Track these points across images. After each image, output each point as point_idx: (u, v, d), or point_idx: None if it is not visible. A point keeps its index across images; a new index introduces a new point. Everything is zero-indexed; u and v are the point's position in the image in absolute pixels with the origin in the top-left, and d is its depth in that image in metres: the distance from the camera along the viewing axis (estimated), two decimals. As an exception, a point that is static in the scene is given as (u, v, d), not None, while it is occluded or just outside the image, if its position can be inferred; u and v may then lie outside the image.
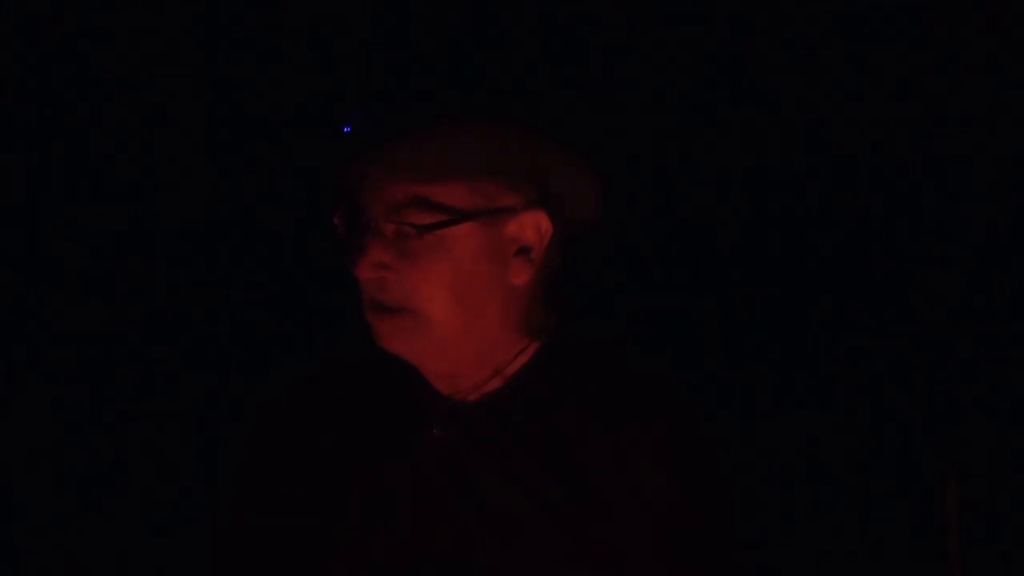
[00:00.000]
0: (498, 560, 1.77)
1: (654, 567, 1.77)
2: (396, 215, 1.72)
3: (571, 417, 1.81)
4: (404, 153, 1.71)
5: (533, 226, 1.78)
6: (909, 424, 2.89)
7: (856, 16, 2.92)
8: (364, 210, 1.73)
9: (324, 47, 2.86)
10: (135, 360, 2.86)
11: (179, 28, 2.86)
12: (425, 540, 1.78)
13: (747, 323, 2.96)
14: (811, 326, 2.96)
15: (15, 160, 2.84)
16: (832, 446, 2.90)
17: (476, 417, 1.80)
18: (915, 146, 2.94)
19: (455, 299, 1.74)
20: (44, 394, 2.82)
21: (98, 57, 2.85)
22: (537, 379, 1.83)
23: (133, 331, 2.87)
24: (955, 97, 2.90)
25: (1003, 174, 2.91)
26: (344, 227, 1.76)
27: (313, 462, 1.83)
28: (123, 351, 2.86)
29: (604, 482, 1.79)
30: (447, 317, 1.74)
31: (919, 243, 2.94)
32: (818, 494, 2.88)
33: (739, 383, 2.92)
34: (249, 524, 1.85)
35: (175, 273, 2.88)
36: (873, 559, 2.82)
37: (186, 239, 2.89)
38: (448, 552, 1.78)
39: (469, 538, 1.77)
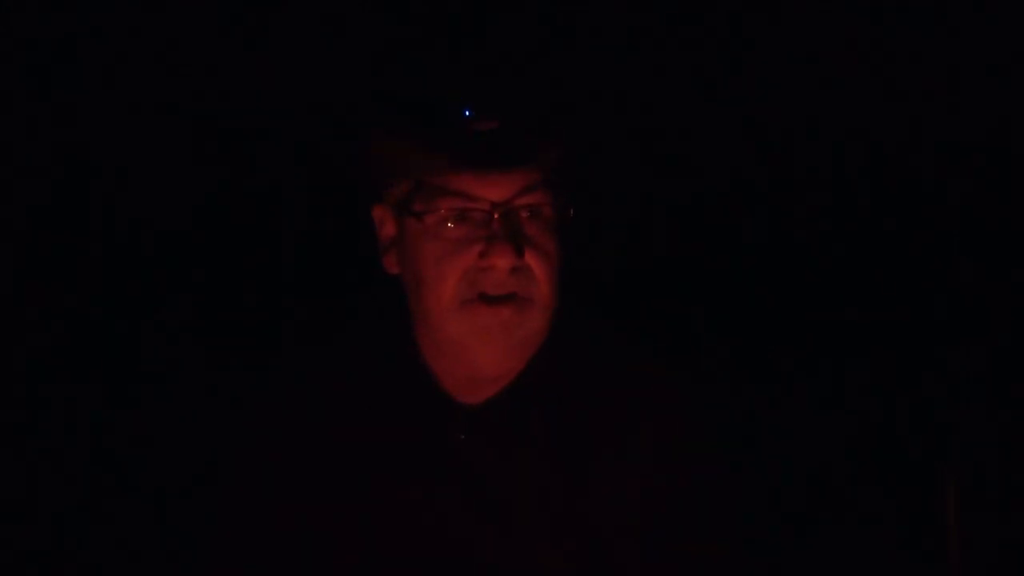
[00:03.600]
0: (509, 558, 1.78)
1: (655, 560, 1.78)
2: (523, 201, 1.74)
3: (574, 416, 1.82)
4: (529, 142, 1.74)
5: (570, 216, 1.81)
6: (909, 424, 2.89)
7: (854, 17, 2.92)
8: (483, 200, 1.73)
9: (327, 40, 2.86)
10: (134, 359, 2.86)
11: (179, 26, 2.86)
12: (441, 541, 1.78)
13: (747, 322, 2.96)
14: (811, 326, 2.96)
15: (13, 161, 2.84)
16: (832, 446, 2.90)
17: (489, 420, 1.81)
18: (912, 146, 2.94)
19: (558, 285, 1.76)
20: (42, 393, 2.82)
21: (96, 56, 2.84)
22: (540, 379, 1.83)
23: (131, 330, 2.87)
24: (943, 98, 2.91)
25: (1003, 175, 2.91)
26: (445, 219, 1.75)
27: (323, 464, 1.82)
28: (121, 351, 2.86)
29: (608, 479, 1.80)
30: (553, 301, 1.76)
31: (918, 244, 2.95)
32: (818, 493, 2.88)
33: (738, 383, 2.92)
34: (257, 523, 1.84)
35: (176, 271, 2.88)
36: (873, 559, 2.82)
37: (187, 236, 2.89)
38: (461, 553, 1.78)
39: (483, 538, 1.78)
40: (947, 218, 2.93)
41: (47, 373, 2.82)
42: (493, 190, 1.73)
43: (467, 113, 1.75)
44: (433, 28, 2.81)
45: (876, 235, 2.95)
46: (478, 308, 1.73)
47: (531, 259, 1.74)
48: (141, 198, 2.89)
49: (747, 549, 1.83)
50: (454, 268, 1.74)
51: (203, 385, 2.80)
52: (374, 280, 1.94)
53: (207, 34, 2.85)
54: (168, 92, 2.86)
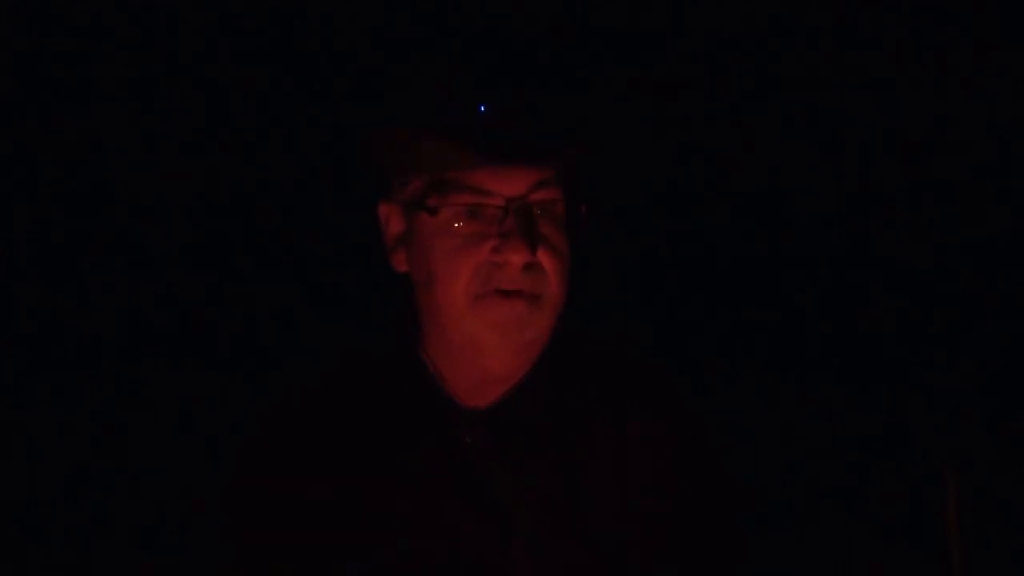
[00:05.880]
0: (515, 561, 1.78)
1: (659, 564, 1.79)
2: (536, 197, 1.73)
3: (578, 421, 1.82)
4: (543, 138, 1.74)
5: (583, 214, 1.81)
6: (909, 424, 2.89)
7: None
8: (497, 195, 1.73)
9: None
10: (135, 360, 2.85)
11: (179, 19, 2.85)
12: (447, 544, 1.78)
13: (746, 324, 2.97)
14: (810, 327, 2.96)
15: (12, 159, 2.83)
16: (831, 446, 2.91)
17: (495, 423, 1.81)
18: (914, 146, 2.95)
19: (567, 282, 1.76)
20: (43, 395, 2.81)
21: (95, 51, 2.84)
22: (546, 382, 1.83)
23: (133, 330, 2.86)
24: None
25: (1001, 183, 2.92)
26: (459, 214, 1.74)
27: (326, 466, 1.82)
28: (122, 350, 2.85)
29: (612, 483, 1.80)
30: (562, 300, 1.76)
31: (919, 244, 2.95)
32: (818, 494, 2.89)
33: (737, 383, 2.92)
34: (260, 527, 1.84)
35: (176, 271, 2.88)
36: (873, 559, 2.83)
37: (187, 236, 2.88)
38: (468, 556, 1.78)
39: (489, 541, 1.78)
40: (947, 219, 2.94)
41: (47, 374, 2.81)
42: (507, 185, 1.72)
43: (482, 108, 1.75)
44: (451, 24, 2.80)
45: (877, 236, 2.96)
46: (493, 301, 1.73)
47: (543, 256, 1.74)
48: (140, 197, 2.88)
49: (750, 551, 1.84)
50: (467, 264, 1.73)
51: (203, 387, 2.79)
52: (380, 281, 1.93)
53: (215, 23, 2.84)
54: (167, 86, 2.85)
